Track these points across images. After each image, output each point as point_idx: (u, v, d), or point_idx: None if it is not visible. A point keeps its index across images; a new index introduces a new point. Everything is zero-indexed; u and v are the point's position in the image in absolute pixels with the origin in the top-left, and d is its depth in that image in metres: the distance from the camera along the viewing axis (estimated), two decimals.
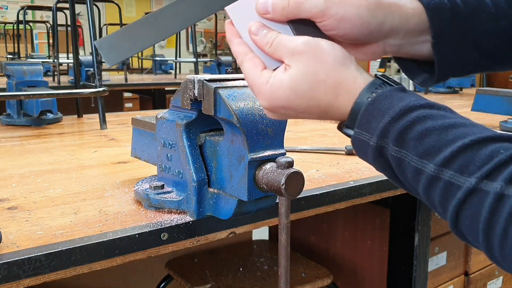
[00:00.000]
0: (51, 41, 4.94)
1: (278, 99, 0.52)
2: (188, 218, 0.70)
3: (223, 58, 4.11)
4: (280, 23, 0.52)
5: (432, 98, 2.71)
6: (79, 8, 2.51)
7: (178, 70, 4.82)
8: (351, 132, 0.51)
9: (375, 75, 0.51)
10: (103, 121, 1.55)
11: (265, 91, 0.52)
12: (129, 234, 0.65)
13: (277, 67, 0.52)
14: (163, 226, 0.68)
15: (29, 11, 6.43)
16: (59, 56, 3.39)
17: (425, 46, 0.57)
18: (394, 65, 4.54)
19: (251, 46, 0.53)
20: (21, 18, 4.47)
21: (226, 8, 0.52)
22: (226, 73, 3.86)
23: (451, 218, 0.43)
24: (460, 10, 0.56)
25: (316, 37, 0.51)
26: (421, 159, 0.44)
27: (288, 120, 0.66)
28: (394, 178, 0.50)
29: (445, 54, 0.57)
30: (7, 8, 7.37)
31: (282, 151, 0.66)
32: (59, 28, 3.32)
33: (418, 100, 0.47)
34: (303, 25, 0.52)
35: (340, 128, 0.53)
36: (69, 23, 2.38)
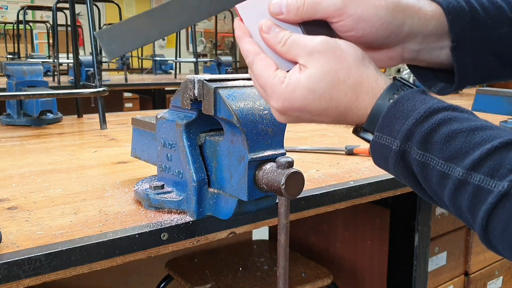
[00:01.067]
0: (51, 41, 4.94)
1: (295, 100, 0.49)
2: (188, 218, 0.70)
3: (223, 58, 4.11)
4: (292, 25, 0.50)
5: None
6: (79, 8, 2.51)
7: (178, 70, 4.82)
8: (369, 136, 0.48)
9: (394, 77, 0.49)
10: (103, 121, 1.55)
11: (280, 91, 0.49)
12: (129, 234, 0.65)
13: (290, 69, 0.49)
14: (163, 226, 0.68)
15: (29, 11, 6.43)
16: (59, 56, 3.39)
17: (443, 52, 0.56)
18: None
19: (261, 46, 0.51)
20: (21, 18, 4.47)
21: (237, 6, 0.50)
22: (226, 73, 3.86)
23: (481, 224, 0.41)
24: (478, 14, 0.54)
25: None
26: (447, 163, 0.42)
27: None
28: (415, 185, 0.47)
29: (465, 59, 0.56)
30: (7, 8, 7.37)
31: (282, 151, 0.66)
32: (59, 28, 3.32)
33: (441, 103, 0.45)
34: (316, 28, 0.50)
35: (356, 132, 0.50)
36: (69, 23, 2.38)
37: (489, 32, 0.55)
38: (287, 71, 0.50)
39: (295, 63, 0.50)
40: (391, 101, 0.46)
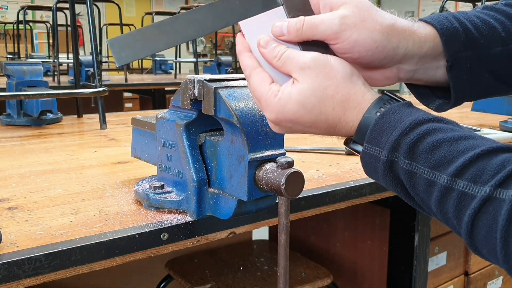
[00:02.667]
0: (51, 41, 4.94)
1: (286, 113, 0.52)
2: (188, 218, 0.70)
3: (223, 58, 4.11)
4: (292, 44, 0.53)
5: None
6: (79, 8, 2.51)
7: (178, 70, 4.82)
8: (359, 148, 0.51)
9: (382, 92, 0.52)
10: (103, 121, 1.55)
11: (273, 104, 0.52)
12: (129, 234, 0.65)
13: (285, 82, 0.52)
14: (163, 226, 0.68)
15: (29, 11, 6.43)
16: (59, 56, 3.39)
17: (439, 71, 0.58)
18: None
19: (259, 61, 0.54)
20: (21, 18, 4.47)
21: (240, 22, 0.53)
22: (226, 73, 3.86)
23: (466, 229, 0.42)
24: (472, 34, 0.56)
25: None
26: (433, 171, 0.44)
27: None
28: (404, 194, 0.49)
29: (460, 77, 0.58)
30: (7, 8, 7.38)
31: (282, 151, 0.66)
32: (59, 28, 3.32)
33: (426, 115, 0.47)
34: (313, 47, 0.52)
35: (347, 143, 0.53)
36: (69, 23, 2.38)
37: (483, 51, 0.57)
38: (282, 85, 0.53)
39: (290, 76, 0.52)
40: (378, 114, 0.49)
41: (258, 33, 0.54)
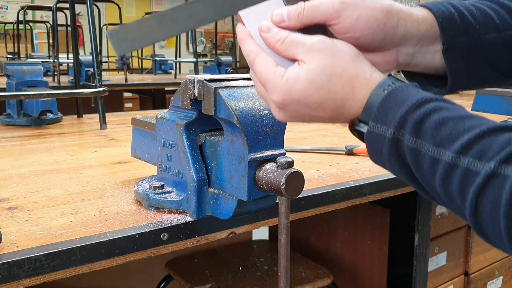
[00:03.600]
0: (51, 41, 4.94)
1: (294, 93, 0.51)
2: (188, 218, 0.70)
3: (223, 58, 4.11)
4: (292, 32, 0.53)
5: None
6: (79, 8, 2.51)
7: (178, 70, 4.82)
8: (364, 129, 0.50)
9: (389, 74, 0.52)
10: (103, 121, 1.55)
11: (280, 85, 0.52)
12: (129, 234, 0.65)
13: (289, 67, 0.52)
14: (163, 226, 0.68)
15: (29, 11, 6.43)
16: (59, 56, 3.39)
17: (436, 56, 0.58)
18: None
19: (262, 47, 0.54)
20: (21, 18, 4.47)
21: (239, 12, 0.53)
22: (226, 73, 3.86)
23: (470, 208, 0.42)
24: (467, 20, 0.57)
25: None
26: (438, 148, 0.44)
27: None
28: (409, 176, 0.49)
29: (456, 62, 0.58)
30: (7, 8, 7.38)
31: (282, 151, 0.65)
32: (59, 28, 3.32)
33: (433, 95, 0.47)
34: (314, 32, 0.52)
35: (352, 127, 0.52)
36: (69, 23, 2.38)
37: (478, 37, 0.58)
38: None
39: (294, 61, 0.52)
40: (386, 92, 0.49)
41: (258, 21, 0.54)
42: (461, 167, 0.42)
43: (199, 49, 7.47)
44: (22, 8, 4.42)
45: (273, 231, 1.87)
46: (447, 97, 0.49)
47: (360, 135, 0.52)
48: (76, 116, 1.81)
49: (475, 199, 0.41)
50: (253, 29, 0.54)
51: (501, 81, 0.63)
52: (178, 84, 1.96)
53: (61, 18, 3.49)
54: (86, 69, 3.12)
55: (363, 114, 0.50)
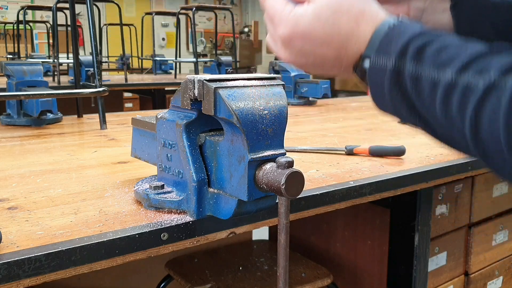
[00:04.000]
0: (51, 41, 4.94)
1: (299, 26, 0.53)
2: (188, 218, 0.70)
3: (223, 58, 4.11)
4: None
5: None
6: (79, 8, 2.51)
7: (178, 70, 4.82)
8: (367, 63, 0.51)
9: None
10: (103, 121, 1.55)
11: (288, 19, 0.53)
12: (129, 234, 0.65)
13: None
14: (163, 226, 0.68)
15: (29, 11, 6.43)
16: (59, 56, 3.39)
17: (445, 15, 0.60)
18: None
19: None
20: (21, 18, 4.47)
21: None
22: (226, 73, 3.86)
23: (469, 122, 0.41)
24: None
25: None
26: (438, 70, 0.44)
27: (288, 120, 0.66)
28: (409, 110, 0.48)
29: (463, 21, 0.59)
30: (7, 8, 7.38)
31: (282, 151, 0.65)
32: (59, 28, 3.32)
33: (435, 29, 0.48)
34: None
35: (356, 67, 0.53)
36: (69, 23, 2.38)
37: None
38: None
39: (302, 2, 0.54)
40: (390, 27, 0.50)
41: None
42: (461, 84, 0.42)
43: (199, 49, 7.47)
44: (22, 8, 4.42)
45: (273, 231, 1.87)
46: None
47: (363, 77, 0.52)
48: (76, 116, 1.81)
49: (474, 114, 0.41)
50: None
51: None
52: (178, 84, 1.96)
53: (61, 18, 3.49)
54: (86, 69, 3.12)
55: (367, 49, 0.51)
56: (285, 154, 0.65)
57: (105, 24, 5.46)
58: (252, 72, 3.21)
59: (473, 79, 0.41)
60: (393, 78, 0.47)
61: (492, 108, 0.40)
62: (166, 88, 4.18)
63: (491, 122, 0.40)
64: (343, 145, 1.20)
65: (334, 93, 6.84)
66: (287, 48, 0.55)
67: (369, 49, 0.51)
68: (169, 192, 0.74)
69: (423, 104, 0.46)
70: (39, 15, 7.12)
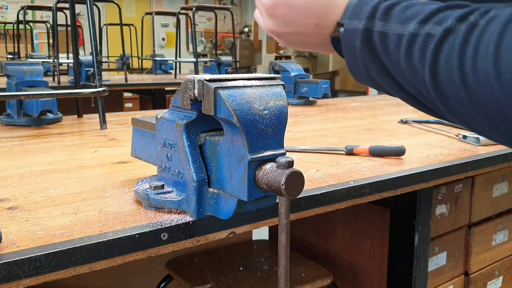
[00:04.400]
0: (51, 41, 4.94)
1: None
2: (188, 218, 0.70)
3: (223, 58, 4.11)
4: None
5: None
6: (79, 8, 2.51)
7: (178, 70, 4.82)
8: (342, 30, 0.53)
9: None
10: (103, 121, 1.55)
11: None
12: (129, 234, 0.65)
13: None
14: (163, 226, 0.68)
15: (29, 11, 6.43)
16: (59, 56, 3.39)
17: None
18: None
19: None
20: (21, 18, 4.47)
21: None
22: (226, 73, 3.86)
23: (428, 67, 0.44)
24: None
25: None
26: (403, 24, 0.47)
27: (288, 120, 0.66)
28: (379, 68, 0.51)
29: None
30: (7, 8, 7.38)
31: (282, 151, 0.65)
32: (59, 28, 3.32)
33: None
34: None
35: (333, 35, 0.55)
36: (69, 23, 2.38)
37: None
38: None
39: None
40: None
41: None
42: (422, 33, 0.45)
43: (199, 49, 7.47)
44: (22, 8, 4.42)
45: (273, 231, 1.87)
46: None
47: (339, 47, 0.55)
48: (76, 116, 1.81)
49: (432, 58, 0.44)
50: None
51: None
52: (178, 84, 1.96)
53: (61, 18, 3.49)
54: (86, 69, 3.12)
55: (342, 17, 0.54)
56: (285, 154, 0.65)
57: (105, 24, 5.46)
58: (252, 72, 3.20)
59: (433, 28, 0.44)
60: (363, 37, 0.50)
61: (448, 50, 0.43)
62: (166, 88, 4.18)
63: (447, 63, 0.43)
64: (343, 145, 1.20)
65: (334, 93, 6.85)
66: (271, 17, 0.58)
67: (344, 16, 0.53)
68: (169, 192, 0.74)
69: (390, 59, 0.49)
70: (39, 15, 7.12)
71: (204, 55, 7.31)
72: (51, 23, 3.73)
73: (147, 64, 5.76)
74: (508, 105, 0.39)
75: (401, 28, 0.47)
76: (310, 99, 2.31)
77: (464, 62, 0.41)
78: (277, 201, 0.66)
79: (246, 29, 9.52)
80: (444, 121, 1.66)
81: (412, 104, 0.51)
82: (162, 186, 0.75)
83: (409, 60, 0.46)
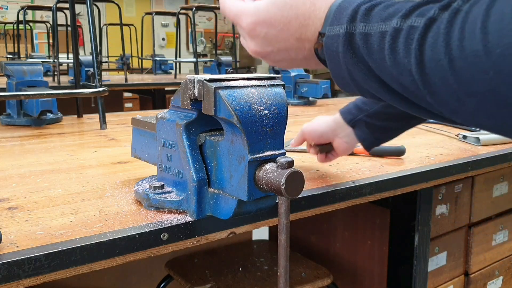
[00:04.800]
0: (51, 41, 4.94)
1: (260, 13, 0.56)
2: (188, 218, 0.70)
3: (223, 58, 4.11)
4: None
5: None
6: (79, 8, 2.51)
7: (178, 70, 4.82)
8: (323, 40, 0.53)
9: None
10: (103, 121, 1.55)
11: (248, 9, 0.58)
12: (129, 234, 0.65)
13: None
14: (163, 226, 0.68)
15: (29, 11, 6.43)
16: (59, 56, 3.39)
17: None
18: None
19: None
20: (21, 18, 4.47)
21: None
22: (226, 73, 3.86)
23: (415, 57, 0.44)
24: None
25: None
26: (385, 22, 0.47)
27: (288, 120, 0.66)
28: (363, 71, 0.51)
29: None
30: (7, 8, 7.38)
31: (282, 151, 0.65)
32: (59, 28, 3.32)
33: None
34: None
35: (316, 46, 0.55)
36: (69, 23, 2.38)
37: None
38: None
39: None
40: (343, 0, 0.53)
41: None
42: (405, 27, 0.45)
43: (199, 49, 7.47)
44: (22, 8, 4.42)
45: (273, 231, 1.87)
46: None
47: (322, 56, 0.55)
48: (76, 116, 1.81)
49: (418, 48, 0.43)
50: None
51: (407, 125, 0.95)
52: (178, 84, 1.96)
53: (61, 18, 3.49)
54: (86, 69, 3.12)
55: (323, 26, 0.54)
56: (285, 154, 0.65)
57: (105, 24, 5.46)
58: (252, 72, 3.20)
59: (416, 20, 0.44)
60: (346, 41, 0.50)
61: (432, 37, 0.42)
62: (166, 88, 4.18)
63: (433, 51, 0.42)
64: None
65: (334, 93, 6.83)
66: (253, 38, 0.58)
67: (325, 25, 0.53)
68: (169, 192, 0.74)
69: (374, 59, 0.49)
70: (39, 15, 7.12)
71: (204, 55, 7.31)
72: (51, 23, 3.73)
73: (147, 64, 5.76)
74: (499, 81, 0.38)
75: (384, 25, 0.47)
76: (310, 99, 2.31)
77: (450, 46, 0.41)
78: (277, 201, 0.66)
79: None
80: (444, 121, 1.66)
81: (398, 105, 0.51)
82: (162, 186, 0.75)
83: (394, 56, 0.46)
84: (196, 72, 4.10)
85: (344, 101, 2.59)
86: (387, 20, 0.47)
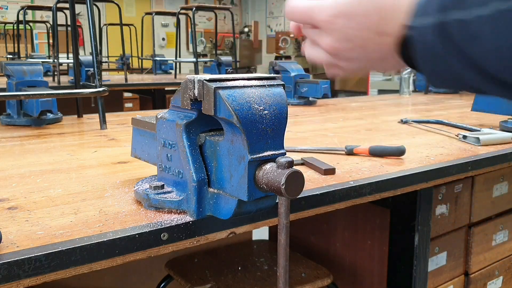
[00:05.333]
0: (51, 41, 4.95)
1: (339, 5, 0.53)
2: (188, 218, 0.70)
3: (223, 58, 4.12)
4: None
5: (432, 98, 2.67)
6: (79, 8, 2.51)
7: (178, 70, 4.82)
8: (410, 32, 0.49)
9: None
10: (103, 121, 1.55)
11: (324, 3, 0.55)
12: (129, 234, 0.65)
13: None
14: (163, 226, 0.68)
15: (29, 11, 6.44)
16: (59, 56, 3.39)
17: None
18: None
19: None
20: (21, 18, 4.47)
21: None
22: (226, 73, 3.86)
23: None
24: None
25: None
26: (482, 6, 0.43)
27: (288, 120, 0.66)
28: (462, 60, 0.46)
29: None
30: (7, 8, 7.38)
31: (282, 151, 0.66)
32: (59, 28, 3.32)
33: None
34: None
35: (400, 41, 0.51)
36: (69, 23, 2.38)
37: None
38: None
39: None
40: None
41: None
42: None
43: (199, 49, 7.47)
44: (22, 8, 4.42)
45: (273, 231, 1.87)
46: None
47: (407, 52, 0.51)
48: (76, 116, 1.81)
49: None
50: None
51: None
52: (178, 84, 1.96)
53: (61, 18, 3.49)
54: (86, 69, 3.12)
55: (409, 18, 0.49)
56: (285, 154, 0.65)
57: (105, 24, 5.47)
58: (252, 72, 3.21)
59: None
60: (439, 31, 0.46)
61: None
62: (166, 88, 4.18)
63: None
64: (343, 145, 1.20)
65: (334, 93, 6.85)
66: (331, 33, 0.54)
67: (411, 16, 0.49)
68: (169, 192, 0.74)
69: (474, 48, 0.45)
70: (39, 15, 7.12)
71: (204, 55, 7.32)
72: (51, 23, 3.73)
73: (147, 64, 5.76)
74: None
75: (483, 9, 0.43)
76: (310, 99, 2.31)
77: None
78: (277, 201, 0.66)
79: (246, 29, 9.52)
80: (444, 121, 1.66)
81: (501, 95, 0.47)
82: (162, 186, 0.75)
83: (505, 39, 0.42)
84: (196, 72, 4.11)
85: (344, 101, 2.59)
86: (484, 5, 0.43)
